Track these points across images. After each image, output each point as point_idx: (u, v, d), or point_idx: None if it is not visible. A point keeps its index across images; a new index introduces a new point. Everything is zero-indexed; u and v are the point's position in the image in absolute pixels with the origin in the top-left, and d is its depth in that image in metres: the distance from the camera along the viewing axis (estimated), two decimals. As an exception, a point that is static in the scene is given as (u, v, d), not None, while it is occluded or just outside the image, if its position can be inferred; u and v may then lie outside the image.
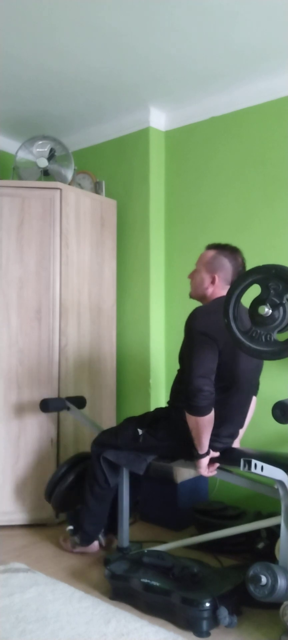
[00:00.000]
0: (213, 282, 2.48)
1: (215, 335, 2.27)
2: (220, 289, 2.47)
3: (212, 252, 2.53)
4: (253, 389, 2.60)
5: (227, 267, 2.48)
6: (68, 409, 3.02)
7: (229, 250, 2.52)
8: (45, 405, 2.99)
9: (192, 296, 2.60)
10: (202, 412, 2.24)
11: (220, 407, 2.37)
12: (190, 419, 2.28)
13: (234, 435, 2.53)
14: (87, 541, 2.76)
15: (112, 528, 2.82)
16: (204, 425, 2.26)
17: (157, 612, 2.14)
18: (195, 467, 2.37)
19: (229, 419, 2.44)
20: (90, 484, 2.68)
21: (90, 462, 2.72)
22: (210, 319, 2.32)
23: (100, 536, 2.83)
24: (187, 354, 2.33)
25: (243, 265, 2.54)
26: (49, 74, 3.16)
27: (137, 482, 2.77)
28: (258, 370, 2.57)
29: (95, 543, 2.81)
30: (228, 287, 2.42)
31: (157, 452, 2.56)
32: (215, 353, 2.27)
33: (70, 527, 2.79)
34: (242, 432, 2.62)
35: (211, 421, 2.28)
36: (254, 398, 2.67)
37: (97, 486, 2.65)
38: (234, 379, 2.37)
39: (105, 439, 2.67)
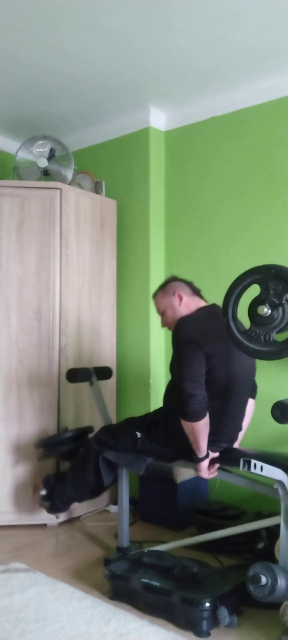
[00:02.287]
0: (181, 298, 2.55)
1: (201, 341, 2.32)
2: (190, 300, 2.55)
3: (161, 291, 2.64)
4: (249, 392, 2.60)
5: (179, 285, 2.60)
6: (91, 383, 2.98)
7: (170, 279, 2.65)
8: (74, 375, 2.94)
9: (172, 329, 2.58)
10: (197, 417, 2.25)
11: (216, 413, 2.39)
12: (186, 425, 2.29)
13: (233, 440, 2.54)
14: (53, 512, 2.95)
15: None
16: (200, 430, 2.27)
17: (157, 612, 2.14)
18: (196, 470, 2.38)
19: (226, 423, 2.45)
20: (75, 476, 2.72)
21: (84, 453, 2.72)
22: (195, 326, 2.40)
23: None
24: (177, 363, 2.38)
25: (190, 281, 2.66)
26: (49, 73, 3.16)
27: (113, 467, 2.70)
28: (251, 373, 2.58)
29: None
30: (194, 296, 2.57)
31: (155, 457, 2.57)
32: (203, 358, 2.31)
33: (43, 492, 2.88)
34: (241, 434, 2.61)
35: (207, 424, 2.29)
36: (252, 401, 2.66)
37: (82, 481, 2.69)
38: (228, 383, 2.40)
39: (106, 440, 2.67)
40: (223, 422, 2.44)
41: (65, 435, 2.97)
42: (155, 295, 2.68)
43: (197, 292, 2.61)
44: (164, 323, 2.64)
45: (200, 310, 2.51)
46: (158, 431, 2.49)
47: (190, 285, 2.62)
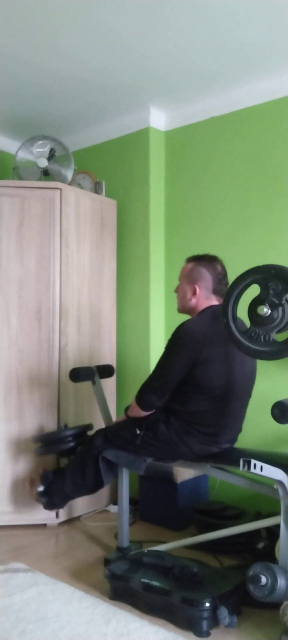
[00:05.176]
0: (194, 293, 2.54)
1: (197, 347, 2.36)
2: (203, 299, 2.54)
3: (190, 265, 2.61)
4: (250, 394, 2.60)
5: (206, 276, 2.55)
6: (94, 383, 2.98)
7: (207, 260, 2.59)
8: (76, 375, 2.93)
9: (179, 310, 2.67)
10: (144, 410, 2.53)
11: (217, 415, 2.41)
12: (135, 406, 2.55)
13: (233, 441, 2.56)
14: (50, 508, 2.93)
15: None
16: (140, 414, 2.55)
17: (157, 612, 2.14)
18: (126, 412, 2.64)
19: (225, 425, 2.46)
20: (74, 473, 2.72)
21: (84, 455, 2.72)
22: (195, 332, 2.40)
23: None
24: (160, 358, 2.50)
25: (223, 272, 2.59)
26: (49, 74, 3.17)
27: (113, 467, 2.73)
28: (253, 375, 2.58)
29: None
30: (211, 296, 2.54)
31: (155, 455, 2.57)
32: (185, 367, 2.39)
33: (41, 488, 2.87)
34: None
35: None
36: None
37: (81, 480, 2.69)
38: (228, 386, 2.40)
39: (107, 437, 2.67)
40: (224, 424, 2.45)
41: (65, 433, 2.96)
42: (186, 260, 2.65)
43: (217, 291, 2.55)
44: (176, 291, 2.69)
45: (203, 312, 2.50)
46: (158, 429, 2.49)
47: (216, 280, 2.55)
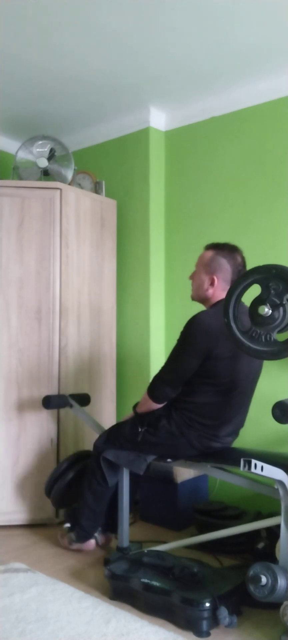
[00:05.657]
0: (212, 283, 2.49)
1: (211, 341, 2.33)
2: (220, 290, 2.47)
3: (210, 253, 2.53)
4: (254, 390, 2.60)
5: (225, 267, 2.48)
6: (71, 406, 3.01)
7: (227, 250, 2.52)
8: (48, 402, 2.97)
9: (193, 298, 2.61)
10: (158, 402, 2.51)
11: (220, 409, 2.40)
12: (147, 399, 2.52)
13: (233, 434, 2.54)
14: (84, 538, 2.76)
15: (110, 527, 2.83)
16: (152, 407, 2.53)
17: (157, 612, 2.14)
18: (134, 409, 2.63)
19: (228, 419, 2.45)
20: (89, 481, 2.69)
21: (90, 459, 2.72)
22: (208, 325, 2.36)
23: (97, 534, 2.83)
24: (173, 351, 2.46)
25: (243, 264, 2.53)
26: (49, 74, 3.16)
27: (136, 481, 2.77)
28: (258, 373, 2.57)
29: (92, 541, 2.81)
30: (228, 287, 2.42)
31: (156, 452, 2.57)
32: (198, 360, 2.37)
33: (67, 525, 2.80)
34: None
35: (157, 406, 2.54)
36: None
37: (96, 483, 2.66)
38: (235, 381, 2.39)
39: (108, 437, 2.67)
40: (227, 417, 2.44)
41: (62, 467, 2.91)
42: (206, 248, 2.58)
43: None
44: (191, 277, 2.62)
45: (217, 305, 2.43)
46: (160, 424, 2.48)
47: (236, 272, 2.47)
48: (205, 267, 2.52)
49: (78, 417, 3.33)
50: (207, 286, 2.50)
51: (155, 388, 2.49)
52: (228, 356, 2.35)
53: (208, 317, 2.40)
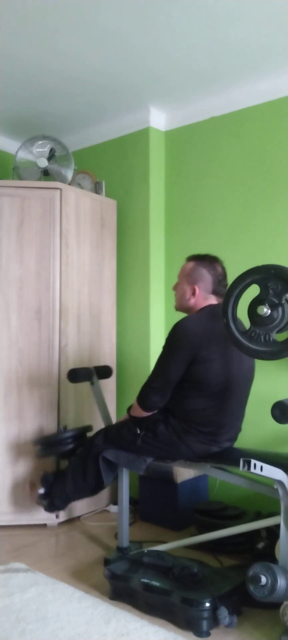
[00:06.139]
0: (194, 293, 2.54)
1: (194, 345, 2.37)
2: (201, 299, 2.54)
3: (191, 264, 2.60)
4: (249, 392, 2.60)
5: (206, 277, 2.55)
6: (92, 383, 2.99)
7: (208, 261, 2.58)
8: (75, 375, 2.94)
9: (177, 308, 2.68)
10: (147, 411, 2.53)
11: (216, 413, 2.41)
12: (137, 407, 2.54)
13: (231, 439, 2.55)
14: (51, 511, 2.92)
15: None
16: (143, 414, 2.54)
17: (157, 612, 2.14)
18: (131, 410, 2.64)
19: (224, 423, 2.46)
20: (75, 473, 2.71)
21: (85, 454, 2.72)
22: (191, 329, 2.41)
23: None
24: (159, 358, 2.49)
25: (223, 274, 2.59)
26: (49, 74, 3.17)
27: (113, 467, 2.73)
28: (251, 373, 2.58)
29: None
30: (210, 296, 2.54)
31: (156, 455, 2.57)
32: (183, 365, 2.39)
33: (41, 491, 2.87)
34: None
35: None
36: None
37: (82, 480, 2.69)
38: (226, 384, 2.41)
39: (107, 437, 2.67)
40: (223, 422, 2.45)
41: (65, 435, 2.96)
42: (187, 259, 2.64)
43: (216, 292, 2.55)
44: (174, 288, 2.69)
45: (201, 310, 2.50)
46: (158, 429, 2.49)
47: (216, 282, 2.55)
48: (186, 278, 2.59)
49: (78, 418, 3.34)
50: (189, 296, 2.56)
51: (144, 397, 2.52)
52: (216, 358, 2.37)
53: (190, 322, 2.45)
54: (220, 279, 2.56)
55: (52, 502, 2.84)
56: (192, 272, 2.57)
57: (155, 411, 2.54)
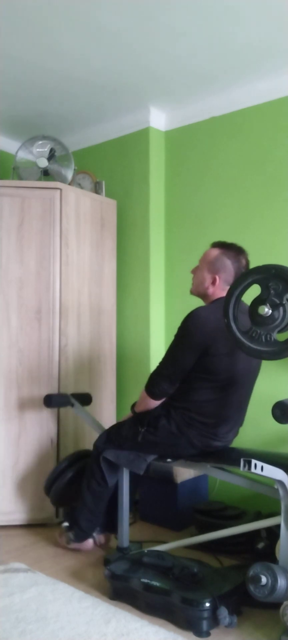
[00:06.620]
0: (213, 282, 2.49)
1: (207, 337, 2.34)
2: (220, 290, 2.48)
3: (216, 252, 2.53)
4: (253, 388, 2.60)
5: (229, 268, 2.48)
6: (72, 405, 3.01)
7: (234, 252, 2.52)
8: (49, 401, 2.97)
9: (192, 292, 2.62)
10: (155, 399, 2.51)
11: (218, 406, 2.40)
12: (145, 396, 2.52)
13: (233, 432, 2.54)
14: (82, 537, 2.76)
15: (109, 526, 2.83)
16: (148, 404, 2.53)
17: (157, 612, 2.14)
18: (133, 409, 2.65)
19: (227, 416, 2.45)
20: (88, 481, 2.69)
21: (90, 458, 2.72)
22: (206, 321, 2.37)
23: (95, 534, 2.83)
24: (170, 347, 2.47)
25: (246, 267, 2.53)
26: (49, 74, 3.17)
27: (135, 481, 2.77)
28: (257, 370, 2.57)
29: (90, 541, 2.81)
30: (228, 287, 2.41)
31: (156, 452, 2.56)
32: (195, 355, 2.37)
33: (66, 524, 2.80)
34: None
35: (155, 404, 2.54)
36: None
37: (95, 483, 2.66)
38: (233, 378, 2.40)
39: (108, 437, 2.67)
40: (226, 415, 2.44)
41: (61, 466, 2.91)
42: (212, 245, 2.57)
43: None
44: (193, 271, 2.62)
45: (217, 301, 2.44)
46: (159, 424, 2.49)
47: (238, 274, 2.45)
48: (208, 265, 2.52)
49: (78, 417, 3.33)
50: (208, 284, 2.50)
51: (153, 384, 2.49)
52: (225, 352, 2.35)
53: (205, 313, 2.41)
54: (243, 272, 2.47)
55: (80, 528, 2.72)
56: (216, 261, 2.49)
57: (163, 399, 2.50)
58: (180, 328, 2.43)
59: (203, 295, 2.55)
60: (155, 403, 2.52)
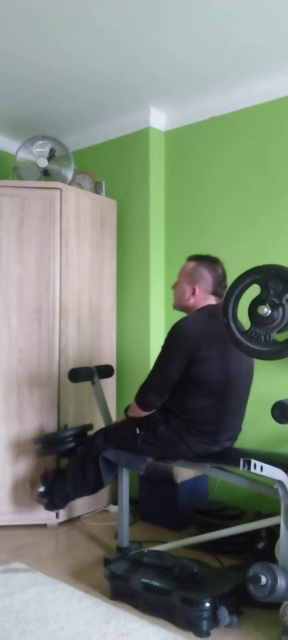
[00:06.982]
0: (193, 293, 2.55)
1: (193, 344, 2.38)
2: (201, 300, 2.54)
3: (192, 264, 2.61)
4: (249, 391, 2.60)
5: (207, 277, 2.55)
6: (93, 383, 2.99)
7: (209, 262, 2.59)
8: (76, 375, 2.93)
9: (175, 307, 2.69)
10: (145, 411, 2.54)
11: (216, 412, 2.42)
12: (135, 407, 2.55)
13: (232, 439, 2.55)
14: (51, 509, 2.92)
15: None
16: (141, 414, 2.55)
17: (157, 612, 2.14)
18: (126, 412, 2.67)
19: (226, 423, 2.46)
20: (76, 473, 2.71)
21: (84, 452, 2.73)
22: (192, 328, 2.42)
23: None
24: (158, 358, 2.51)
25: (223, 275, 2.60)
26: (49, 74, 3.17)
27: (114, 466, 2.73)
28: (250, 372, 2.59)
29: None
30: (209, 296, 2.55)
31: (156, 455, 2.57)
32: (182, 365, 2.40)
33: (41, 489, 2.87)
34: None
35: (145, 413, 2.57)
36: None
37: (82, 480, 2.68)
38: (225, 383, 2.42)
39: (107, 437, 2.67)
40: (224, 421, 2.45)
41: (65, 433, 2.96)
42: (188, 259, 2.65)
43: (216, 293, 2.56)
44: (173, 287, 2.69)
45: (200, 310, 2.51)
46: (158, 429, 2.49)
47: (216, 283, 2.56)
48: (187, 277, 2.59)
49: (78, 418, 3.34)
50: (189, 295, 2.57)
51: (142, 396, 2.53)
52: (214, 358, 2.38)
53: (189, 322, 2.46)
54: (220, 280, 2.57)
55: (52, 501, 2.84)
56: (193, 272, 2.57)
57: (153, 411, 2.54)
58: (167, 339, 2.48)
59: (185, 307, 2.60)
60: (145, 414, 2.55)
